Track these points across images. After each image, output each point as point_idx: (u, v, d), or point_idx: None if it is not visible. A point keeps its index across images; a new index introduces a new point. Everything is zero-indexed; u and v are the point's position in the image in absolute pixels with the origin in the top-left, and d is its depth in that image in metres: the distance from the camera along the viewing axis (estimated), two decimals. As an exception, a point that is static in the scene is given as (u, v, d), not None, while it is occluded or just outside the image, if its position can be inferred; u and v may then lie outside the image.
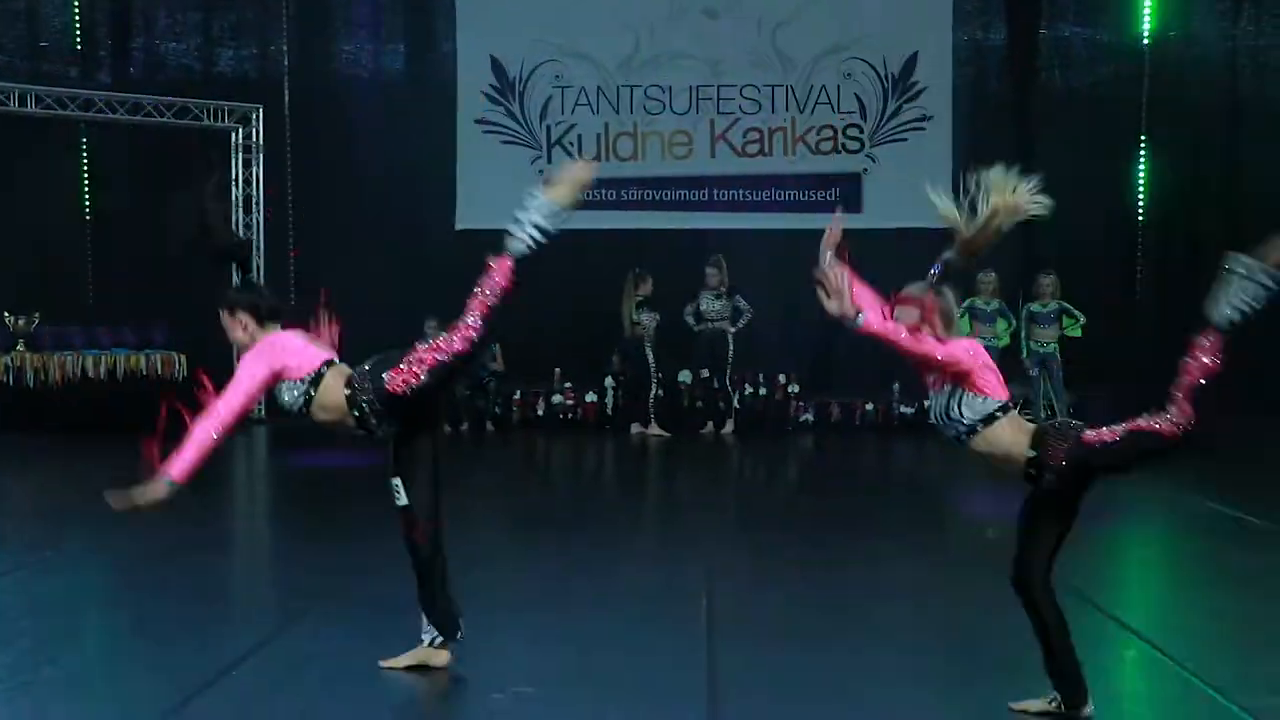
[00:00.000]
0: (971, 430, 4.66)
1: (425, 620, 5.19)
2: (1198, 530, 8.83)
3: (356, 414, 5.00)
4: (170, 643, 5.84)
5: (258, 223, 15.60)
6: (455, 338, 4.94)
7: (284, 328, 5.20)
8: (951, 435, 4.74)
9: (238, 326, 5.15)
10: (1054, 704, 4.66)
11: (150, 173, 15.68)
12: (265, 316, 5.15)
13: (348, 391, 5.00)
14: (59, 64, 16.07)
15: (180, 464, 4.80)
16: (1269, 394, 14.19)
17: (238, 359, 5.17)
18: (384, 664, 5.23)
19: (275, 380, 5.05)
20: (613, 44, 16.33)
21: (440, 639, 5.18)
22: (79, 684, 5.25)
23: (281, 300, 5.38)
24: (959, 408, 4.68)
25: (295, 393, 5.03)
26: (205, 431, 4.89)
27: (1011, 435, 4.64)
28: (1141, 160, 16.07)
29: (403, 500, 5.18)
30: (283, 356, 5.05)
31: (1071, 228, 14.75)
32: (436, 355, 4.94)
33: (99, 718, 4.79)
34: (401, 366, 4.94)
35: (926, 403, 4.86)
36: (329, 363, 5.11)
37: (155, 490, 4.77)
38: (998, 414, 4.63)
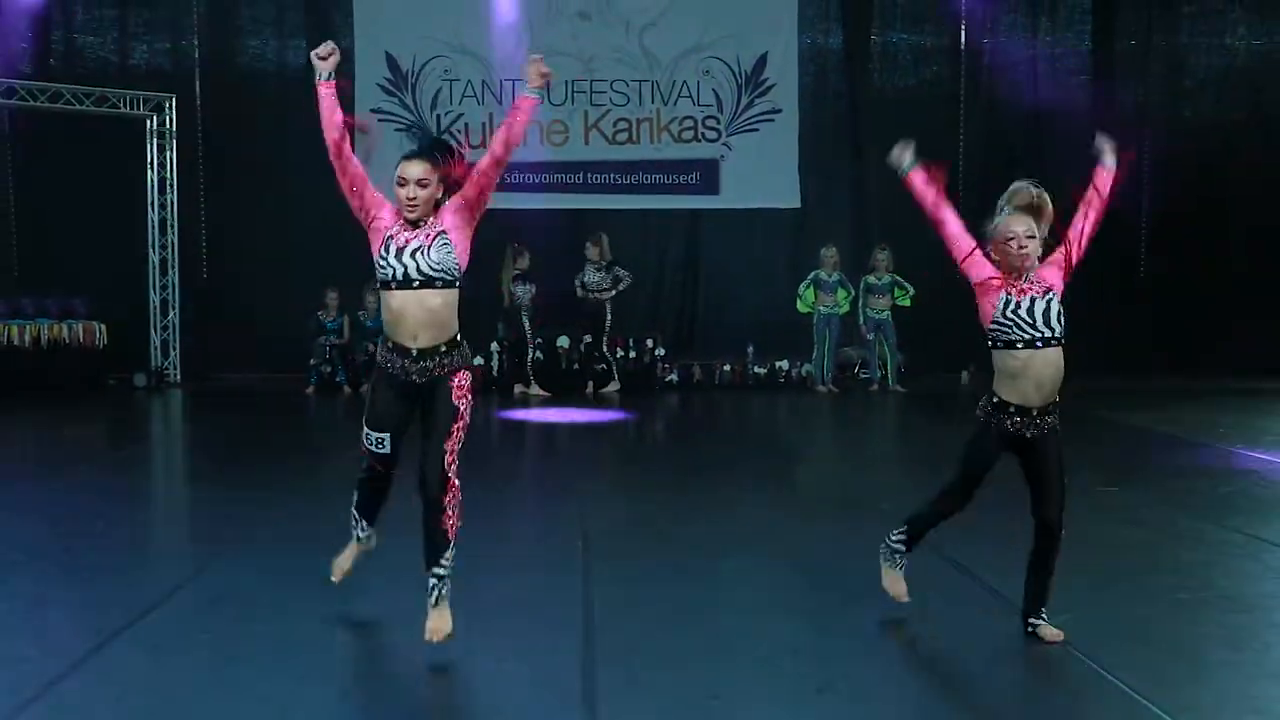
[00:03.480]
0: (1061, 341, 4.63)
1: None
2: (1006, 473, 9.02)
3: None
4: (93, 587, 5.67)
5: (171, 203, 15.23)
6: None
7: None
8: (1034, 338, 4.60)
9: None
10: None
11: (70, 157, 15.21)
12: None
13: None
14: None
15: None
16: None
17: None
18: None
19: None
20: (496, 42, 16.20)
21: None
22: (9, 626, 5.07)
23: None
24: (1059, 318, 4.63)
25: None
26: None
27: None
28: (960, 151, 16.39)
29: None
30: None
31: (898, 209, 15.01)
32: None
33: (27, 657, 4.62)
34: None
35: (1011, 304, 4.64)
36: None
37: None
38: None
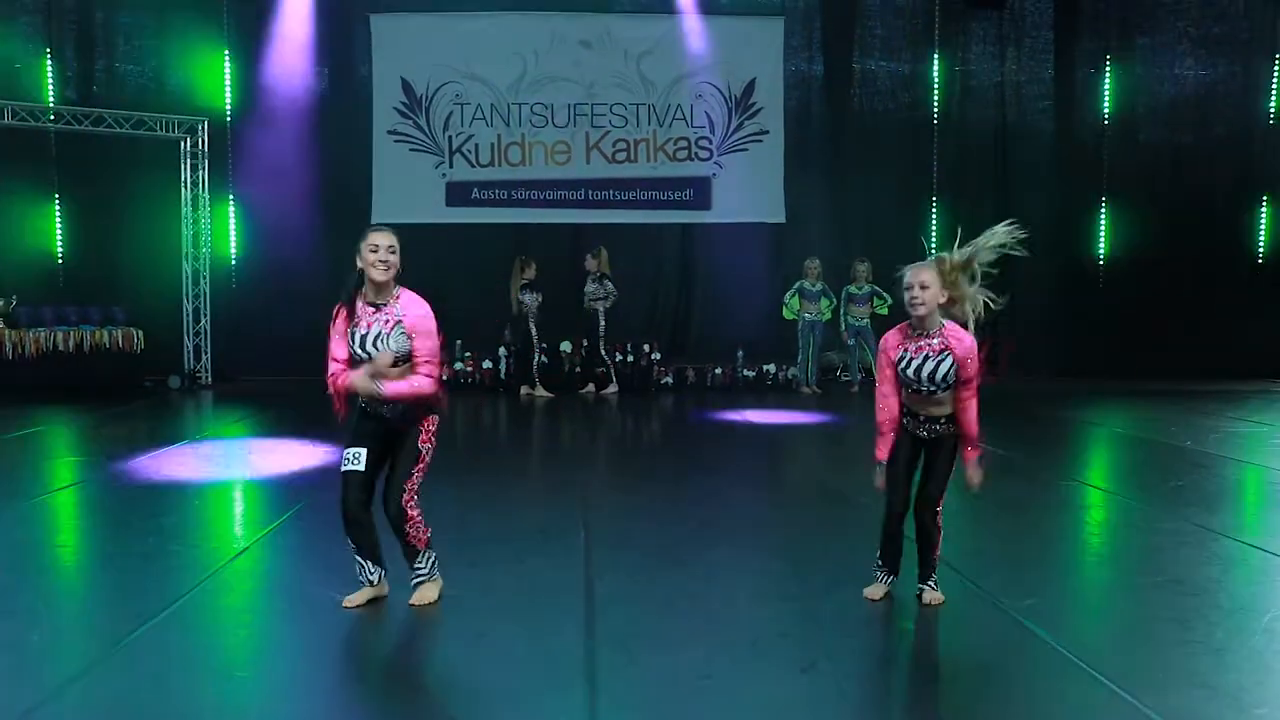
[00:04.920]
0: (947, 389, 4.90)
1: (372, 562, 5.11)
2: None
3: None
4: (132, 575, 5.70)
5: (203, 218, 15.27)
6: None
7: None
8: (917, 389, 4.94)
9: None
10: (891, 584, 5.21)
11: (111, 176, 15.26)
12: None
13: None
14: (32, 83, 15.55)
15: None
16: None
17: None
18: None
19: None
20: (504, 69, 16.24)
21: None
22: (55, 611, 5.09)
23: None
24: (949, 378, 4.89)
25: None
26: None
27: None
28: (934, 169, 16.44)
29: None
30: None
31: (876, 224, 15.14)
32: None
33: (72, 639, 4.65)
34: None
35: (906, 361, 4.93)
36: None
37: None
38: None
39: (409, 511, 5.02)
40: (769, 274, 16.08)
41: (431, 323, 5.00)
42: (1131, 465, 9.35)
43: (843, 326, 14.66)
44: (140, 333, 14.34)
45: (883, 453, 5.08)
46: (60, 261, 15.62)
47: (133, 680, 4.23)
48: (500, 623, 4.88)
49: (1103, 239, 16.75)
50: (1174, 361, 15.62)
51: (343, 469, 5.03)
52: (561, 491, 8.09)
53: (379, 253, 4.95)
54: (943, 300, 4.89)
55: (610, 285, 14.34)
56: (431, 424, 5.08)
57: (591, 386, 14.44)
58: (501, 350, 14.63)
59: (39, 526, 6.91)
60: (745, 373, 15.32)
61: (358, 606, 5.03)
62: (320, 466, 8.90)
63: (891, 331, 5.07)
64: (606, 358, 14.48)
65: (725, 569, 5.84)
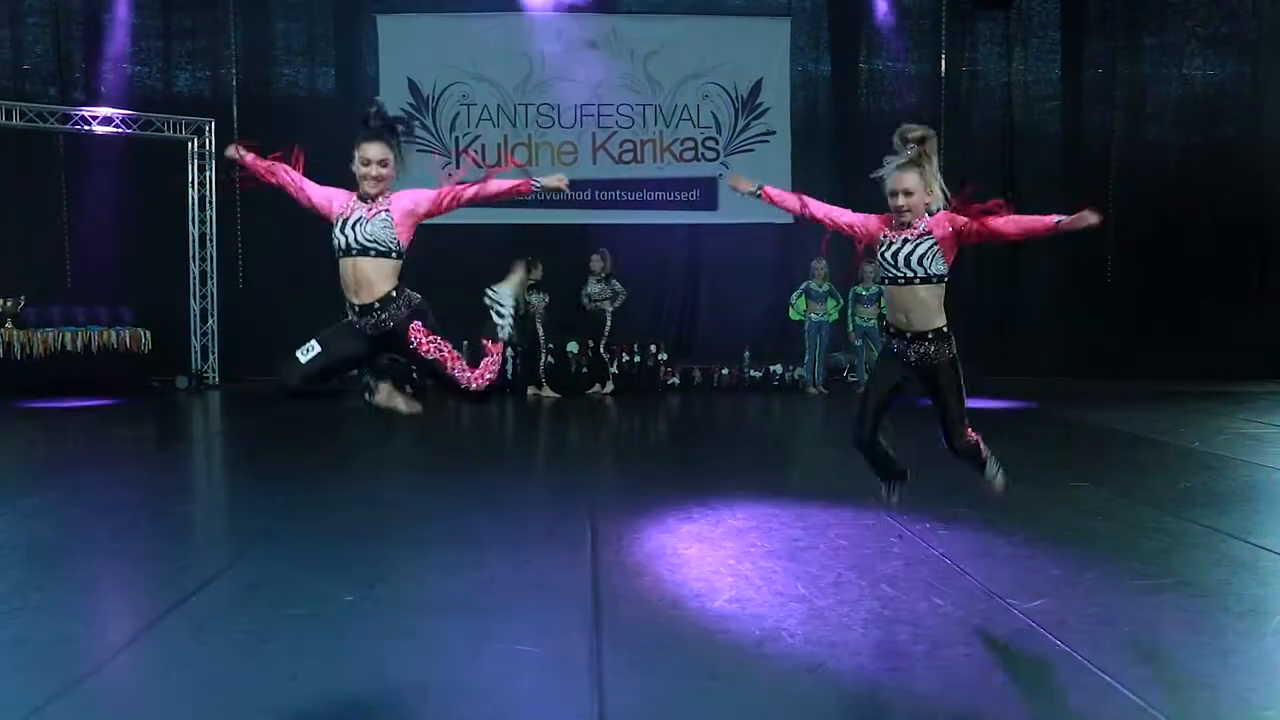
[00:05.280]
0: (925, 280, 4.75)
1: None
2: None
3: None
4: (140, 573, 5.70)
5: (211, 219, 15.29)
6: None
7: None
8: (895, 276, 4.86)
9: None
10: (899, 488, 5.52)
11: (119, 177, 15.30)
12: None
13: None
14: (40, 84, 15.63)
15: (253, 159, 5.21)
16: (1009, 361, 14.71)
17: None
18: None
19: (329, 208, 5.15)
20: (511, 69, 16.26)
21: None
22: (63, 608, 5.09)
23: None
24: (926, 261, 4.73)
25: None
26: (277, 167, 5.20)
27: (940, 303, 4.84)
28: (940, 170, 16.38)
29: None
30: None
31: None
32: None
33: (80, 637, 4.65)
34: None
35: (885, 244, 4.94)
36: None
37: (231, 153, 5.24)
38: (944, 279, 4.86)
39: (473, 383, 5.18)
40: (776, 275, 16.06)
41: (418, 191, 5.07)
42: (1138, 466, 9.31)
43: (850, 328, 14.65)
44: (148, 333, 14.39)
45: (768, 188, 5.09)
46: (68, 262, 15.66)
47: (137, 679, 4.22)
48: (506, 623, 4.87)
49: (1111, 236, 16.69)
50: (1177, 362, 15.58)
51: (296, 354, 5.13)
52: (567, 491, 8.08)
53: (370, 167, 5.03)
54: (928, 199, 4.90)
55: (618, 285, 14.35)
56: (416, 333, 5.11)
57: (598, 386, 14.45)
58: (508, 351, 14.60)
59: (44, 525, 6.91)
60: (752, 373, 15.32)
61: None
62: (324, 466, 8.89)
63: (881, 216, 5.06)
64: (604, 355, 14.47)
65: (730, 568, 5.82)
